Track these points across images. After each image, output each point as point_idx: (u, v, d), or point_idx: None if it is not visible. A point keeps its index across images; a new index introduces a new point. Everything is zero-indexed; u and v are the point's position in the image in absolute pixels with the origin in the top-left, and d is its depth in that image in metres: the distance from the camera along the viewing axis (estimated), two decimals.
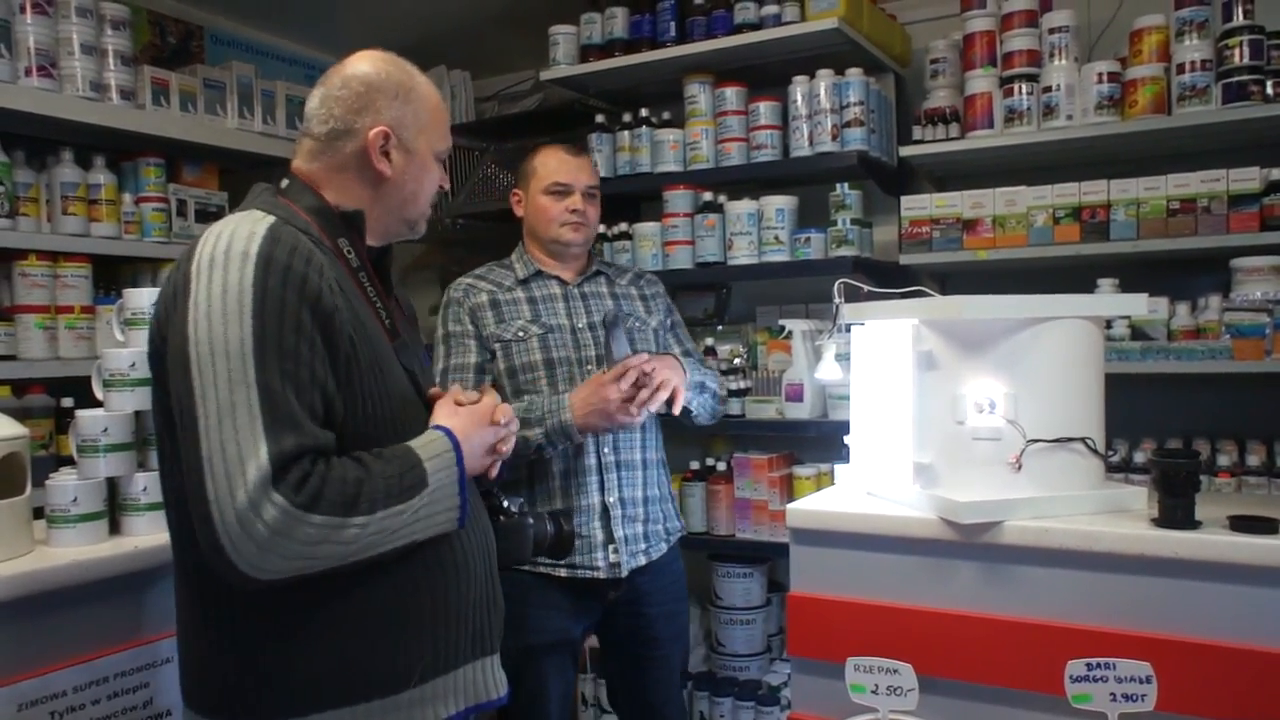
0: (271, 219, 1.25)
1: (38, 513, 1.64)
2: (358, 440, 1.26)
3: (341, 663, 1.25)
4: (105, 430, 1.67)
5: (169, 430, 1.24)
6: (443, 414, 1.36)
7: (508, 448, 1.43)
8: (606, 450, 2.14)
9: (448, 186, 1.49)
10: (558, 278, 2.26)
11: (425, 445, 1.28)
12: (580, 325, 2.20)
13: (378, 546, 1.21)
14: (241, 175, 3.31)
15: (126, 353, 1.72)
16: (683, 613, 2.32)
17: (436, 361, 2.18)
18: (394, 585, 1.28)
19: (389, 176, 1.37)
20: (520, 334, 2.16)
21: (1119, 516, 1.57)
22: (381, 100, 1.36)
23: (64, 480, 1.65)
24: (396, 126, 1.37)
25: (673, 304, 2.43)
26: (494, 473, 1.44)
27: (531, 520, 1.45)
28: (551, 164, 2.23)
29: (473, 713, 1.39)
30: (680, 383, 2.07)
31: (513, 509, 1.49)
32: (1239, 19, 2.50)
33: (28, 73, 2.57)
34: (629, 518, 2.15)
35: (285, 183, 1.38)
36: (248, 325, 1.16)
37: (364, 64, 1.39)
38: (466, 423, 1.35)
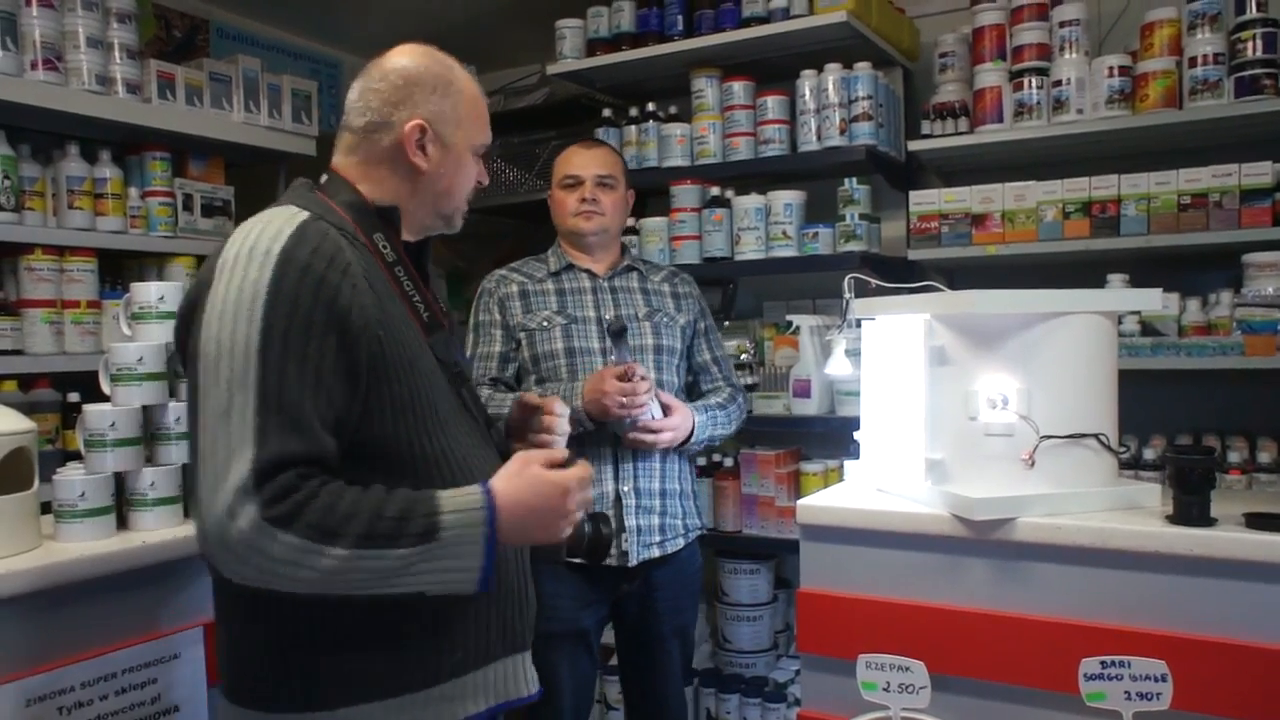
0: (304, 215, 1.24)
1: (45, 508, 1.63)
2: (383, 440, 1.23)
3: (373, 658, 1.24)
4: (113, 425, 1.66)
5: None
6: (506, 471, 1.26)
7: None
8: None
9: (486, 182, 1.47)
10: (589, 271, 2.29)
11: (454, 497, 1.20)
12: (607, 318, 2.23)
13: (369, 586, 1.15)
14: (247, 169, 3.30)
15: (134, 347, 1.71)
16: (688, 609, 2.33)
17: (465, 349, 2.24)
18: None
19: (425, 170, 1.36)
20: (545, 323, 2.22)
21: (1133, 513, 1.56)
22: (419, 93, 1.35)
23: (71, 475, 1.64)
24: (433, 120, 1.35)
25: (706, 308, 2.43)
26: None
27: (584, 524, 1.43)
28: (565, 159, 2.31)
29: (501, 709, 1.38)
30: (670, 441, 2.13)
31: None
32: (1252, 11, 2.48)
33: (33, 66, 2.56)
34: (643, 509, 2.17)
35: (324, 178, 1.37)
36: (256, 325, 1.14)
37: (404, 57, 1.37)
38: (525, 491, 1.24)
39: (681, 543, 2.24)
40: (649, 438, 2.11)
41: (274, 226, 1.21)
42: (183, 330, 1.26)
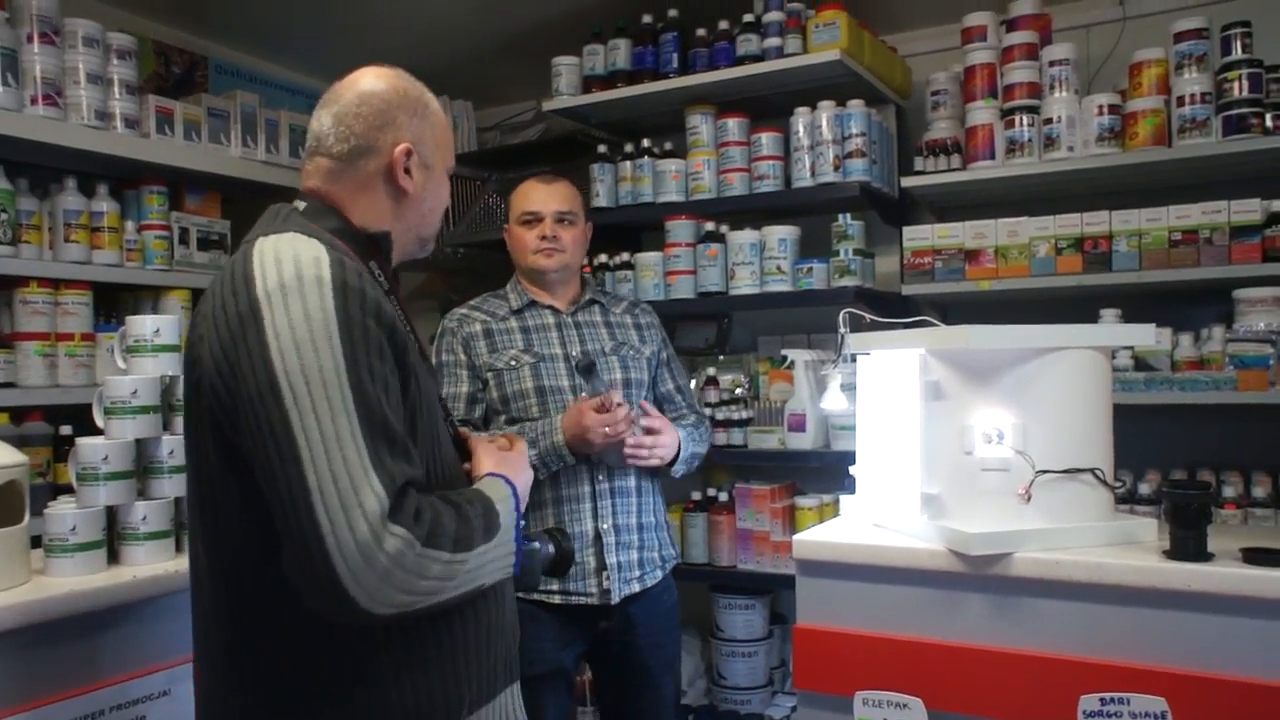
0: (313, 240, 1.20)
1: (35, 541, 1.62)
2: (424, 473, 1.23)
3: (398, 704, 1.20)
4: (105, 458, 1.66)
5: (226, 463, 1.18)
6: (492, 461, 1.35)
7: None
8: (600, 477, 2.15)
9: (447, 204, 1.48)
10: (551, 307, 2.27)
11: (491, 487, 1.28)
12: (575, 354, 2.22)
13: (464, 587, 1.18)
14: (244, 204, 3.32)
15: (128, 380, 1.71)
16: (673, 643, 2.31)
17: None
18: (454, 619, 1.24)
19: (410, 193, 1.36)
20: (513, 362, 2.19)
21: (1130, 548, 1.56)
22: (402, 116, 1.35)
23: (63, 509, 1.63)
24: (417, 142, 1.35)
25: (667, 337, 2.44)
26: None
27: (537, 544, 1.43)
28: (523, 194, 2.28)
29: None
30: (664, 456, 2.16)
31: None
32: (1238, 53, 2.52)
33: (33, 101, 2.58)
34: (623, 544, 2.16)
35: (302, 205, 1.32)
36: (339, 353, 1.11)
37: (379, 81, 1.36)
38: (515, 470, 1.35)
39: (660, 574, 2.23)
40: (644, 453, 2.11)
41: (307, 254, 1.17)
42: (224, 367, 1.15)
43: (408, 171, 1.34)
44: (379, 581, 1.06)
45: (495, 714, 1.32)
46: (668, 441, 2.16)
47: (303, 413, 1.09)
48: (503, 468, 1.34)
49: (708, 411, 2.94)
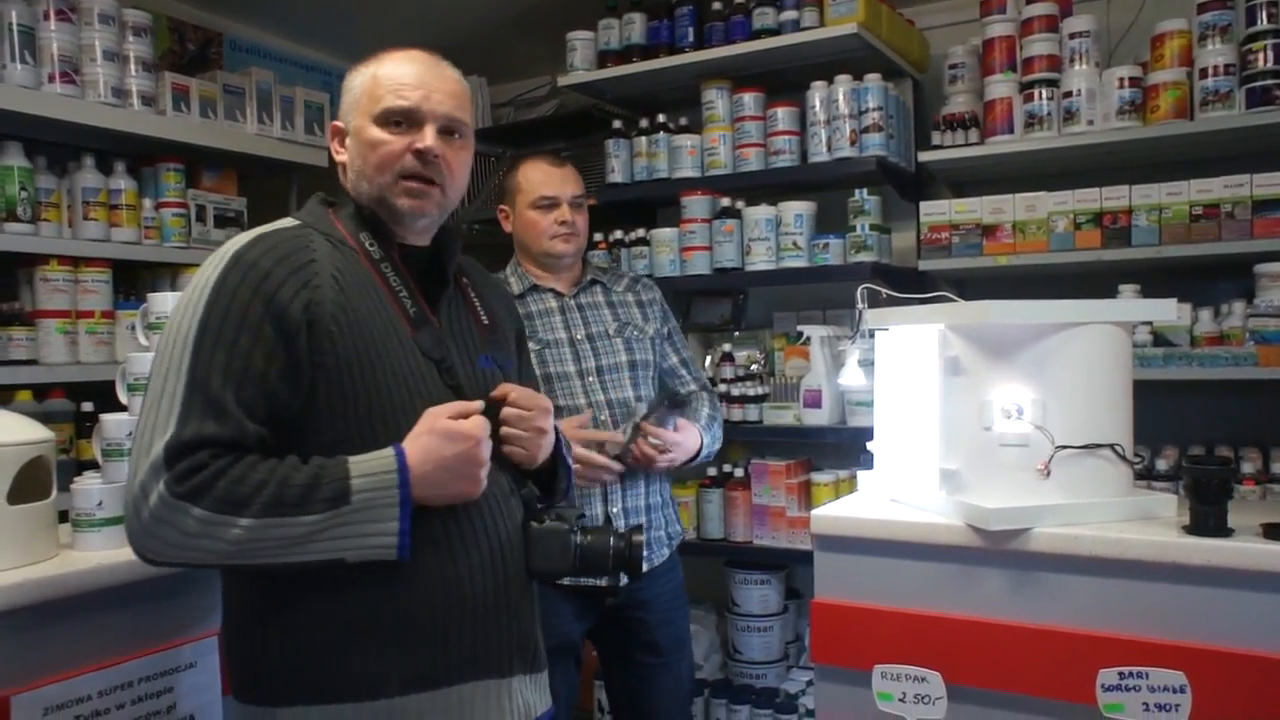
0: (287, 223, 1.35)
1: (62, 517, 1.64)
2: (342, 433, 1.25)
3: (313, 660, 1.26)
4: (129, 434, 1.67)
5: None
6: (415, 430, 1.26)
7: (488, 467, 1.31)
8: None
9: (427, 143, 1.35)
10: (553, 290, 2.26)
11: (365, 461, 1.22)
12: (579, 337, 2.22)
13: (280, 554, 1.17)
14: (260, 181, 3.33)
15: (150, 356, 1.72)
16: (682, 620, 2.31)
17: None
18: (369, 590, 1.25)
19: (343, 161, 1.44)
20: None
21: (1149, 524, 1.56)
22: (341, 100, 1.46)
23: (89, 484, 1.64)
24: (341, 116, 1.44)
25: (669, 310, 2.43)
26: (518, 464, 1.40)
27: (577, 532, 1.38)
28: (536, 177, 2.24)
29: None
30: (673, 462, 2.17)
31: (548, 517, 1.41)
32: (1263, 23, 2.48)
33: (51, 79, 2.59)
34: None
35: (333, 198, 1.46)
36: (197, 316, 1.22)
37: None
38: (436, 445, 1.23)
39: (666, 552, 2.24)
40: (662, 459, 2.12)
41: (250, 234, 1.31)
42: None
43: (343, 144, 1.43)
44: (141, 533, 1.17)
45: (449, 703, 1.29)
46: (690, 445, 2.18)
47: (155, 372, 1.24)
48: (417, 439, 1.24)
49: (723, 388, 2.95)
